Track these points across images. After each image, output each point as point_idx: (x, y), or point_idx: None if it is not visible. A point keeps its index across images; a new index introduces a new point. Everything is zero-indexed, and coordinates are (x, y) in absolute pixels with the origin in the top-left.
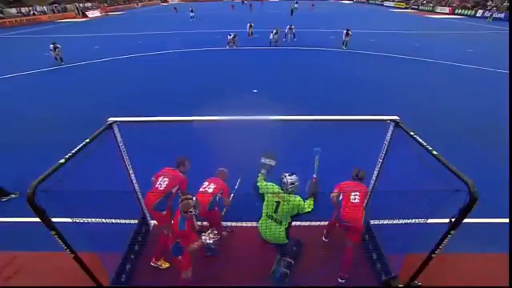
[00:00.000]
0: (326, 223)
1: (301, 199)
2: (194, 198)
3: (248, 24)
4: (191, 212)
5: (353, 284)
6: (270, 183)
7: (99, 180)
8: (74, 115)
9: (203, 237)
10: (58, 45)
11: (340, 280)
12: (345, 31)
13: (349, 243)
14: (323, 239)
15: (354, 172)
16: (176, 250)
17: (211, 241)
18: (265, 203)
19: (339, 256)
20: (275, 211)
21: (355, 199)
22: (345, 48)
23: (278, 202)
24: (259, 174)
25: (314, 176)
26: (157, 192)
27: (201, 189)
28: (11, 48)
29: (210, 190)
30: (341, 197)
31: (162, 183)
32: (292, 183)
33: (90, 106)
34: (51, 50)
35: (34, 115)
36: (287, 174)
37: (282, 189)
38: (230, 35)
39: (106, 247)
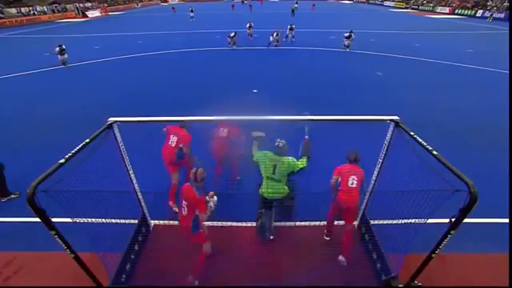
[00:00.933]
0: (325, 222)
1: (293, 159)
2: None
3: (248, 24)
4: (204, 178)
5: (353, 284)
6: (264, 151)
7: (99, 180)
8: (74, 115)
9: (211, 203)
10: (64, 47)
11: (340, 257)
12: (347, 34)
13: (348, 226)
14: (325, 237)
15: (351, 155)
16: (194, 227)
17: (215, 201)
18: (263, 168)
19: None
20: (274, 173)
21: (352, 183)
22: (347, 49)
23: (275, 165)
24: (253, 146)
25: (306, 137)
26: (172, 148)
27: (220, 134)
28: (11, 48)
29: (224, 134)
30: (339, 180)
31: (173, 140)
32: (285, 144)
33: (91, 106)
34: (57, 53)
35: (34, 115)
36: (279, 140)
37: (276, 154)
38: (229, 36)
39: (106, 247)
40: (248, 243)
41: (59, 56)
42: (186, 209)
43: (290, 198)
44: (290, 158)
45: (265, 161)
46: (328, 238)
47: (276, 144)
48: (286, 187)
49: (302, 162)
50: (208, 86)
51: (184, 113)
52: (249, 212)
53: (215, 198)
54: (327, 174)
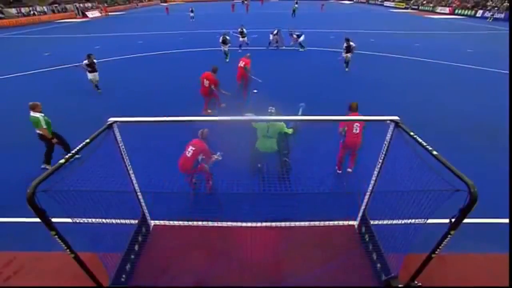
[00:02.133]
0: (327, 222)
1: (284, 124)
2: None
3: (239, 29)
4: (207, 137)
5: (353, 284)
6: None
7: (99, 180)
8: (74, 115)
9: (218, 157)
10: (95, 60)
11: (349, 170)
12: (344, 45)
13: (353, 157)
14: (338, 171)
15: (353, 105)
16: (196, 164)
17: (220, 157)
18: (259, 130)
19: (339, 257)
20: (268, 131)
21: (356, 129)
22: (347, 68)
23: (268, 126)
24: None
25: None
26: (205, 88)
27: (240, 65)
28: (11, 48)
29: (242, 65)
30: (346, 129)
31: (205, 83)
32: (276, 110)
33: (91, 106)
34: (84, 68)
35: None
36: (271, 107)
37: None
38: (224, 41)
39: (106, 247)
40: (248, 243)
41: (88, 73)
42: (191, 152)
43: (286, 153)
44: (281, 123)
45: (261, 124)
46: (340, 171)
47: (269, 111)
48: (275, 145)
49: (289, 130)
50: None
51: (184, 112)
52: (248, 212)
53: (220, 157)
54: (327, 174)
